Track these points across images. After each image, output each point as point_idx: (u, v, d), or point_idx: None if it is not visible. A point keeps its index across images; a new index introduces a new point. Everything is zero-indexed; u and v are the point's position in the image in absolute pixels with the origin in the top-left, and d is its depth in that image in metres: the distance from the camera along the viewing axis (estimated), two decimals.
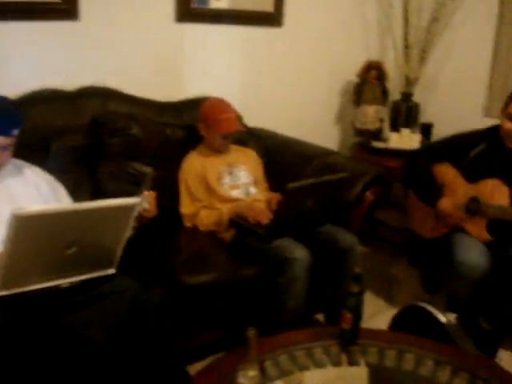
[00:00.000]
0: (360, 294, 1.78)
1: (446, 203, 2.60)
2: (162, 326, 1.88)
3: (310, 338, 1.86)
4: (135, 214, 1.79)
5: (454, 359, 1.79)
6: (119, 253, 1.85)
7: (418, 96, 3.82)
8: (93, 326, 1.79)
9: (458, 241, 2.52)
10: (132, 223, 1.80)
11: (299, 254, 2.30)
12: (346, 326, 1.81)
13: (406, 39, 3.72)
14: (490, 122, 2.83)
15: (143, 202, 1.95)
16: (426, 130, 3.72)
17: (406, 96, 3.77)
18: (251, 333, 1.52)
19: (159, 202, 2.06)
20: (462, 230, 2.56)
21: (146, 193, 1.96)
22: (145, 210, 1.98)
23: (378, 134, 3.70)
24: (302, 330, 1.96)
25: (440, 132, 3.53)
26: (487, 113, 3.59)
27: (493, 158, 2.54)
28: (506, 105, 2.50)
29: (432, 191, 2.65)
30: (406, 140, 3.53)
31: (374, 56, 3.80)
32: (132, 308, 1.83)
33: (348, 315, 1.79)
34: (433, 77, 3.84)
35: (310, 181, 2.38)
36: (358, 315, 1.80)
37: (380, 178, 2.84)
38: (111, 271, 1.87)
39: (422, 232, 2.78)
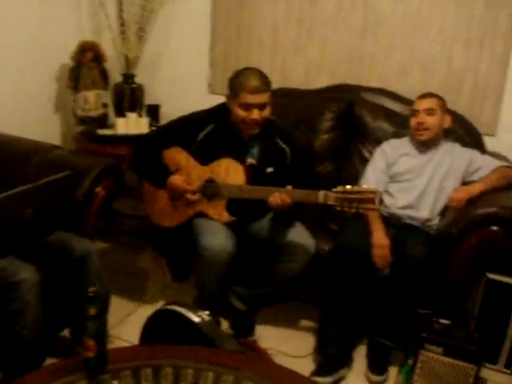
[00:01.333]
0: (99, 316, 1.55)
1: (177, 178, 2.47)
2: None
3: (51, 376, 1.57)
4: None
5: (215, 363, 1.67)
6: None
7: (141, 77, 3.62)
8: None
9: (200, 226, 2.43)
10: None
11: (26, 274, 1.95)
12: (90, 354, 1.57)
13: (120, 17, 3.47)
14: (214, 98, 2.80)
15: None
16: (154, 111, 3.55)
17: (128, 77, 3.55)
18: None
19: None
20: (202, 214, 2.47)
21: None
22: None
23: (103, 121, 3.44)
24: (40, 369, 1.66)
25: (168, 112, 3.39)
26: (211, 89, 3.57)
27: (223, 138, 2.47)
28: (235, 92, 2.38)
29: (162, 172, 2.50)
30: (134, 124, 3.32)
31: (88, 36, 3.50)
32: None
33: (90, 342, 1.55)
34: (154, 55, 3.68)
35: (25, 186, 2.02)
36: (101, 339, 1.57)
37: (110, 170, 2.60)
38: None
39: (162, 222, 2.64)
